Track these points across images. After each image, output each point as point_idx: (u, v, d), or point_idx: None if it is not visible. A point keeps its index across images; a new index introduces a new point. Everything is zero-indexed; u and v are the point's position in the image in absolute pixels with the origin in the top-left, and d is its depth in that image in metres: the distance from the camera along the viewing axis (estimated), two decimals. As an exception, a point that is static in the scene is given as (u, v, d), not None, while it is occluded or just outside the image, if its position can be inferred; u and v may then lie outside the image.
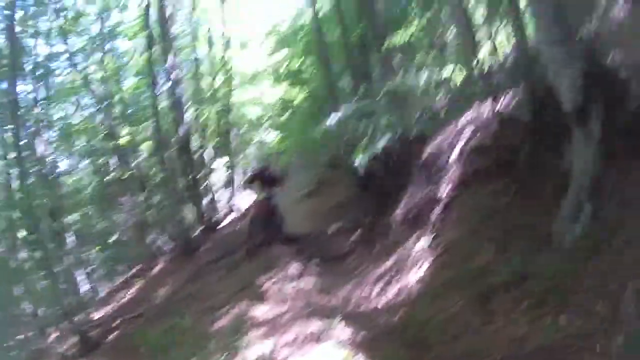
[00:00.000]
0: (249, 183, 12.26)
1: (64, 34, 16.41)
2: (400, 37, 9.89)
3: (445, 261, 7.10)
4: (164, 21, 14.83)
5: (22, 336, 14.94)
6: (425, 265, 7.46)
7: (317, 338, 5.53)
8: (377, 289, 7.68)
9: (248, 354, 5.65)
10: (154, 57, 15.19)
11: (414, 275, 7.39)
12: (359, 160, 8.78)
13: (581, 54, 4.99)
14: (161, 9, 14.88)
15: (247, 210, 15.41)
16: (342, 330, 5.81)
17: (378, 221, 10.27)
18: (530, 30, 8.20)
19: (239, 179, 19.12)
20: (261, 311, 6.87)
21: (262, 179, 11.82)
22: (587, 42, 5.21)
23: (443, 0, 10.84)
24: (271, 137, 19.11)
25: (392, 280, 7.72)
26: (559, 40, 5.07)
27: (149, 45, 15.00)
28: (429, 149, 10.02)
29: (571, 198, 5.22)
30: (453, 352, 5.14)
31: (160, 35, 15.12)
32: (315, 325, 5.95)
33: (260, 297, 7.68)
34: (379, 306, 7.00)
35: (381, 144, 8.77)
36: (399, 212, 9.70)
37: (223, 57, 18.57)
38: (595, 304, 4.12)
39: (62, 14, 16.09)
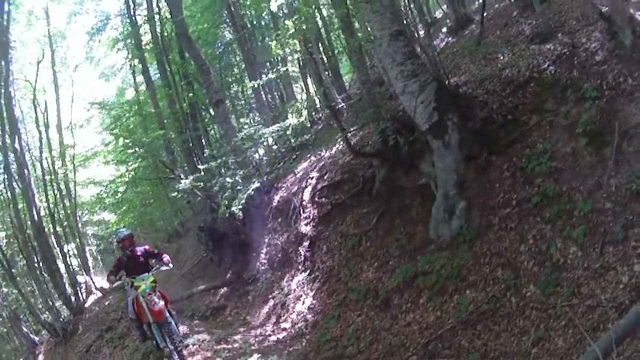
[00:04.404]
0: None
1: None
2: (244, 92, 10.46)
3: (331, 287, 7.56)
4: (8, 104, 13.62)
5: None
6: (310, 296, 7.83)
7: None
8: (269, 327, 7.80)
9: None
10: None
11: (302, 307, 7.69)
12: (234, 210, 8.79)
13: (431, 81, 6.08)
14: (5, 93, 13.61)
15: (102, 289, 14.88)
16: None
17: (241, 273, 10.35)
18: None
19: (91, 259, 18.10)
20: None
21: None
22: (433, 69, 6.34)
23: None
24: (111, 215, 18.37)
25: (281, 317, 7.92)
26: (412, 74, 6.12)
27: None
28: (278, 197, 10.54)
29: (440, 201, 6.11)
30: (374, 357, 5.54)
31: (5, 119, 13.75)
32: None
33: (164, 358, 7.19)
34: (281, 338, 7.11)
35: (244, 195, 8.97)
36: (262, 259, 9.93)
37: (60, 139, 17.85)
38: (495, 272, 4.94)
39: None
